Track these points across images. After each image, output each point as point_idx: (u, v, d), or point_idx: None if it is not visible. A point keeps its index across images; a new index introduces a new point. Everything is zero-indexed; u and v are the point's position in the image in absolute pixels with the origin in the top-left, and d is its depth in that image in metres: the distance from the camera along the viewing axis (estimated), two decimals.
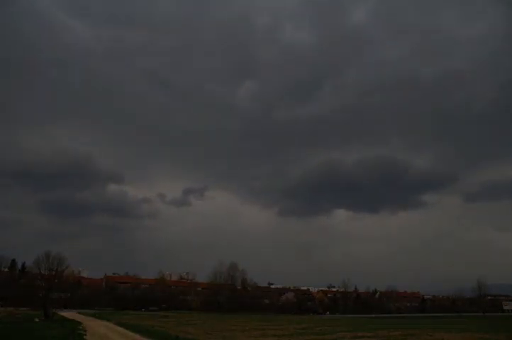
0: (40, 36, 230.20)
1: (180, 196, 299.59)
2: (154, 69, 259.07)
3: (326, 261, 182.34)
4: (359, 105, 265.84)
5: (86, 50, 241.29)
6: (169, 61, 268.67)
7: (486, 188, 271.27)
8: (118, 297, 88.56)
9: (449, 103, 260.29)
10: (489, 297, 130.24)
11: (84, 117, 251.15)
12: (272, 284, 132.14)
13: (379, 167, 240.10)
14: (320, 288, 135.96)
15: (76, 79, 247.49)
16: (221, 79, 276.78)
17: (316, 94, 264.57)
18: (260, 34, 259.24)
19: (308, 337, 25.46)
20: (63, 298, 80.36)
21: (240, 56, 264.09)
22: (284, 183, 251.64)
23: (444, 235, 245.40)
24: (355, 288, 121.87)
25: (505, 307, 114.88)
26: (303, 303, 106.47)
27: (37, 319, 36.48)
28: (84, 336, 22.37)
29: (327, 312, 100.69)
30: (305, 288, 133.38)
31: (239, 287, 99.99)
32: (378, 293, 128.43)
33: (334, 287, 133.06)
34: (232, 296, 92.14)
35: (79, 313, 55.33)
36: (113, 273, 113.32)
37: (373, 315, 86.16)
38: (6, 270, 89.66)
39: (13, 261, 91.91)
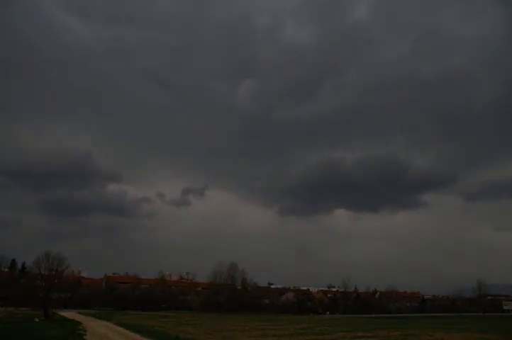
0: (40, 36, 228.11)
1: (180, 196, 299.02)
2: (154, 68, 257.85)
3: (326, 260, 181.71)
4: (359, 105, 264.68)
5: (86, 50, 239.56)
6: (169, 61, 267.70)
7: (486, 187, 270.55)
8: (118, 297, 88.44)
9: (449, 102, 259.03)
10: (489, 297, 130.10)
11: (84, 117, 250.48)
12: (272, 284, 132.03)
13: (379, 167, 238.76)
14: (320, 288, 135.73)
15: (76, 79, 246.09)
16: (221, 79, 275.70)
17: (316, 94, 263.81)
18: (260, 34, 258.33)
19: (308, 337, 25.47)
20: (63, 298, 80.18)
21: (240, 56, 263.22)
22: (284, 183, 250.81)
23: (444, 235, 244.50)
24: (355, 288, 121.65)
25: (505, 307, 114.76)
26: (303, 303, 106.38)
27: (37, 319, 36.46)
28: (84, 336, 22.35)
29: (327, 312, 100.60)
30: (305, 288, 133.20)
31: (239, 287, 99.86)
32: (378, 293, 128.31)
33: (334, 287, 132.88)
34: (232, 296, 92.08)
35: (79, 313, 55.20)
36: (113, 273, 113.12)
37: (373, 315, 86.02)
38: (6, 270, 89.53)
39: (13, 261, 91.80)
